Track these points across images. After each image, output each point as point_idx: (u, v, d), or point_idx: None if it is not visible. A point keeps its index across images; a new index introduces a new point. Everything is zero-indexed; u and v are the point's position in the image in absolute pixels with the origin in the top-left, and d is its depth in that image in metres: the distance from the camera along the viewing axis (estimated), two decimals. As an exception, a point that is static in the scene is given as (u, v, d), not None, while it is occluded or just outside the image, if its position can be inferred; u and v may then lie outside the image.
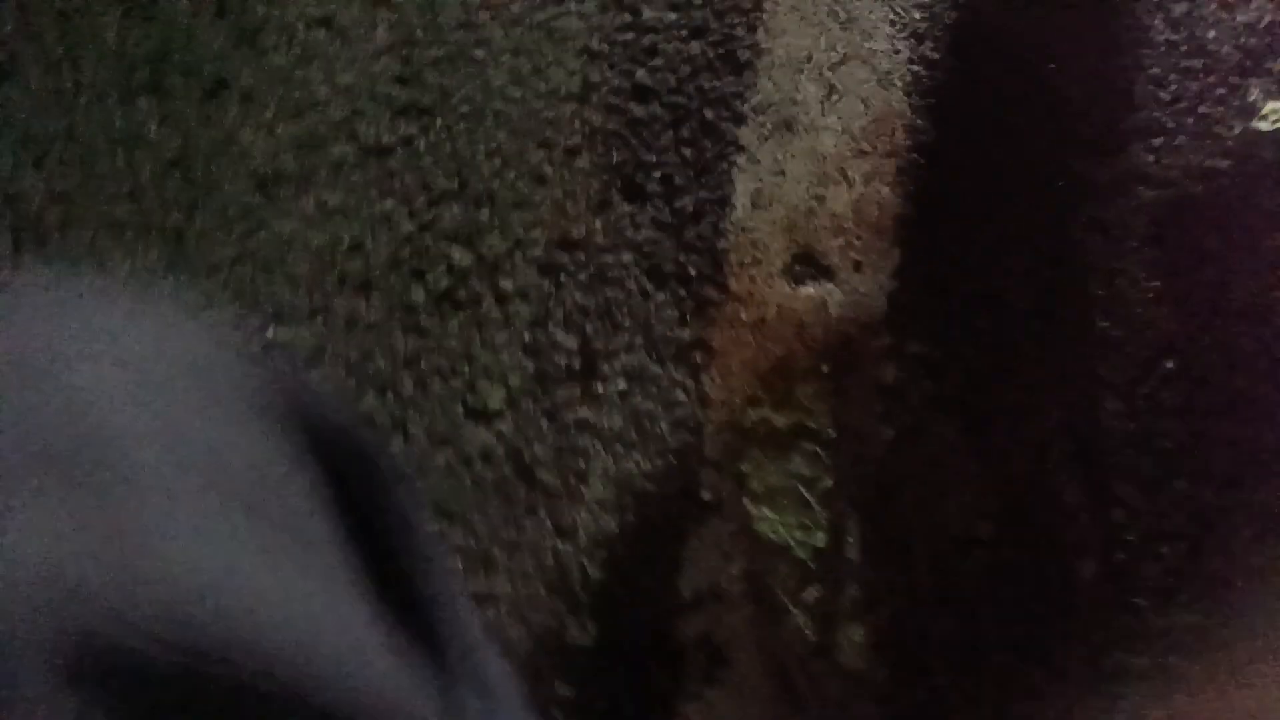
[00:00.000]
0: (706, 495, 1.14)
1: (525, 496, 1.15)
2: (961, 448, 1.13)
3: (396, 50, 1.22)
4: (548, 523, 1.14)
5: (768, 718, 1.11)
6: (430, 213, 1.20)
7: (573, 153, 1.21)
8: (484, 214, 1.20)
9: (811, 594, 1.12)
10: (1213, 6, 1.25)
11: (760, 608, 1.12)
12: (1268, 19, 1.25)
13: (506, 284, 1.18)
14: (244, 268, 1.20)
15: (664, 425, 1.14)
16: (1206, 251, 1.20)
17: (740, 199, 1.20)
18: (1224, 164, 1.22)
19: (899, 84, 1.23)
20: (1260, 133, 1.20)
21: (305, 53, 1.21)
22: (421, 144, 1.21)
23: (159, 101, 1.20)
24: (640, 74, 1.22)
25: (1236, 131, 1.20)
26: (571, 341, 1.17)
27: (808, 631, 1.11)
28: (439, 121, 1.21)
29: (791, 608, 1.12)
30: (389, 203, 1.20)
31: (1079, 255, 1.20)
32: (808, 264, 1.18)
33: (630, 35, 1.24)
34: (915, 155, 1.22)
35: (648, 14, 1.24)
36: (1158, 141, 1.21)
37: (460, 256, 1.19)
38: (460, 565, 1.14)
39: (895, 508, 1.13)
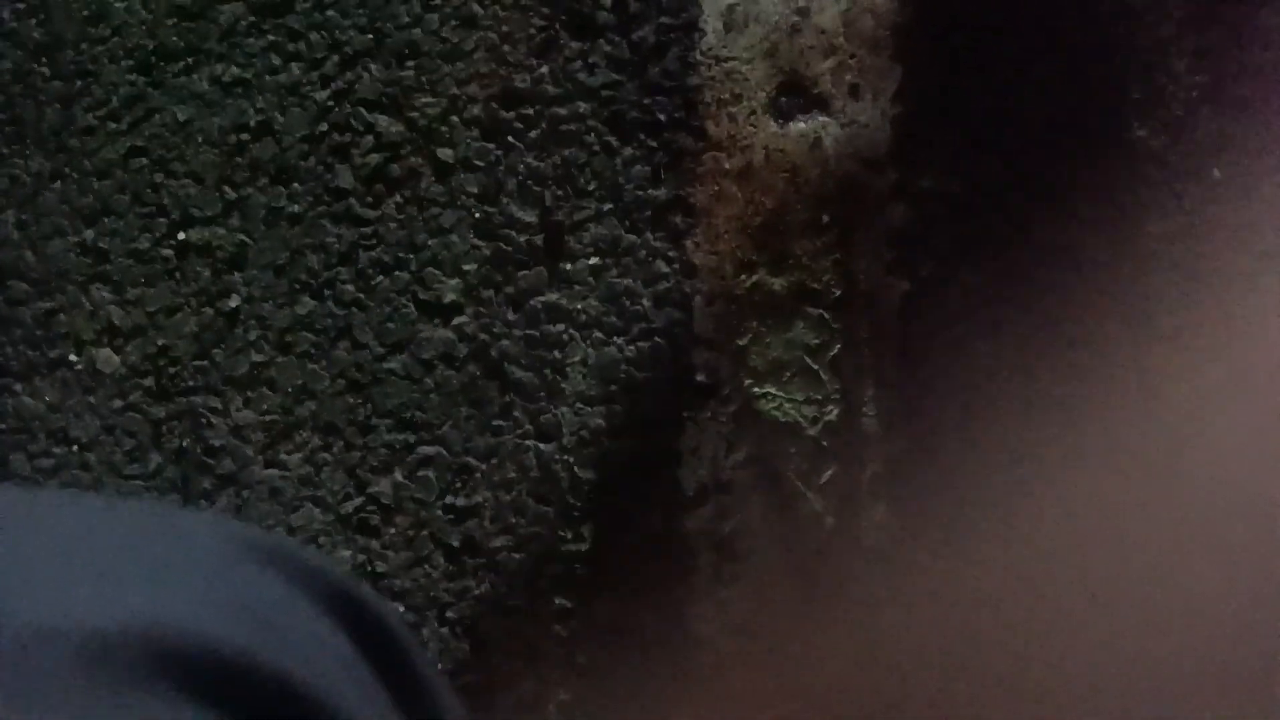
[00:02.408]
0: (701, 377, 1.02)
1: (497, 397, 1.03)
2: (989, 295, 1.01)
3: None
4: (526, 424, 1.03)
5: (785, 612, 1.03)
6: (345, 77, 1.04)
7: (506, -16, 1.04)
8: (408, 72, 1.03)
9: (827, 475, 1.01)
10: None
11: (771, 496, 1.02)
12: None
13: (446, 154, 1.03)
14: (140, 164, 1.04)
15: (646, 303, 1.02)
16: (1255, 31, 1.04)
17: (710, 22, 1.03)
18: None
19: None
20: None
21: (167, -101, 1.02)
22: (325, -6, 1.04)
23: (2, -23, 1.02)
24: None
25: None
26: (530, 215, 1.03)
27: (826, 516, 1.01)
28: (342, -35, 1.03)
29: (806, 492, 1.01)
30: (295, 69, 1.03)
31: (1107, 51, 1.04)
32: (796, 94, 1.03)
33: None
34: (910, -53, 1.05)
35: None
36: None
37: (387, 126, 1.03)
38: (434, 480, 1.04)
39: (915, 371, 1.01)
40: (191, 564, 0.29)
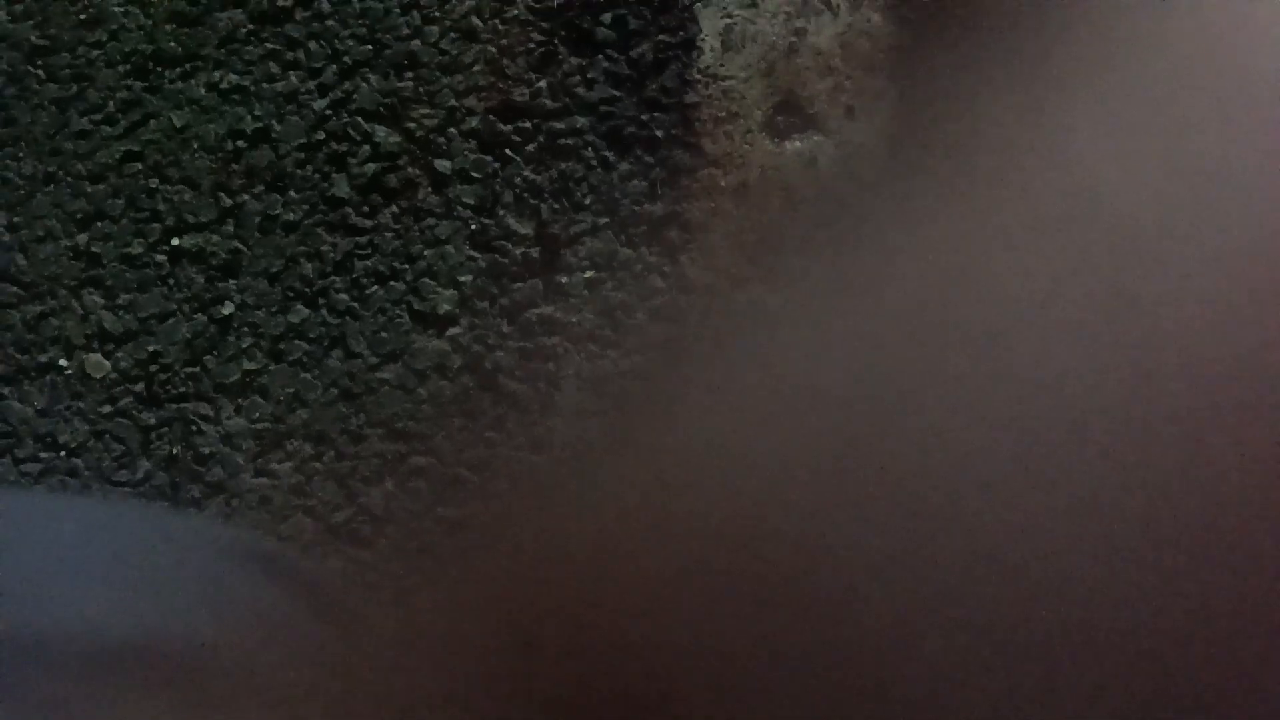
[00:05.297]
0: (695, 392, 1.03)
1: (491, 409, 1.04)
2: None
3: (281, -110, 1.05)
4: (519, 436, 1.04)
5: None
6: (343, 86, 1.05)
7: (505, -2, 1.05)
8: (407, 83, 1.05)
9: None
10: None
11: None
12: None
13: (443, 165, 1.05)
14: (134, 169, 1.05)
15: (641, 317, 1.03)
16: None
17: (708, 40, 1.05)
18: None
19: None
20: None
21: (170, -95, 1.04)
22: (324, 2, 1.05)
23: (1, -20, 1.03)
24: (577, -103, 1.06)
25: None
26: (526, 227, 1.04)
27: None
28: (343, -25, 1.04)
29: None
30: (293, 78, 1.05)
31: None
32: (792, 114, 1.05)
33: None
34: (907, -30, 1.07)
35: None
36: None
37: (385, 136, 1.05)
38: (425, 491, 1.04)
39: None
40: (194, 573, 0.28)
